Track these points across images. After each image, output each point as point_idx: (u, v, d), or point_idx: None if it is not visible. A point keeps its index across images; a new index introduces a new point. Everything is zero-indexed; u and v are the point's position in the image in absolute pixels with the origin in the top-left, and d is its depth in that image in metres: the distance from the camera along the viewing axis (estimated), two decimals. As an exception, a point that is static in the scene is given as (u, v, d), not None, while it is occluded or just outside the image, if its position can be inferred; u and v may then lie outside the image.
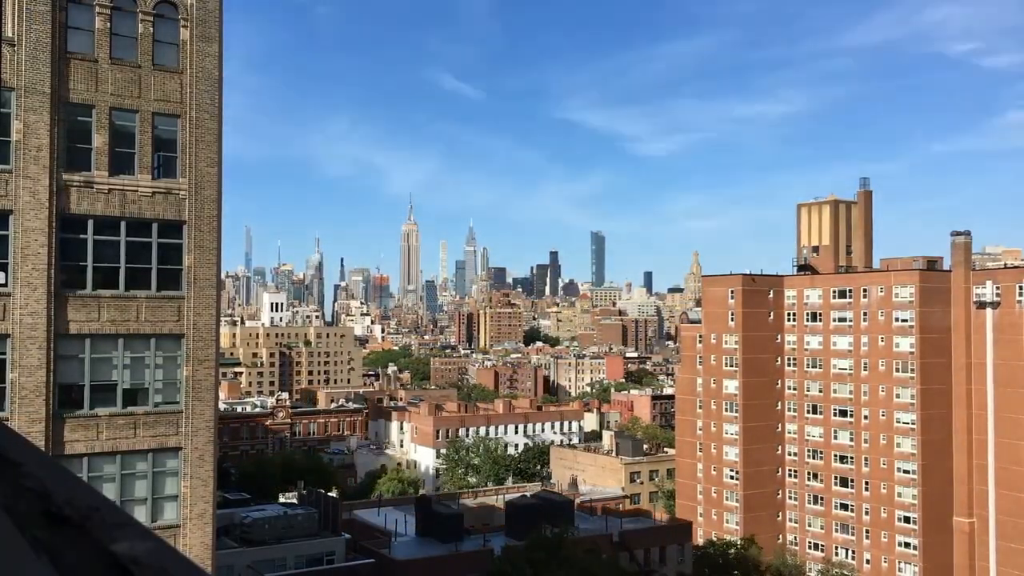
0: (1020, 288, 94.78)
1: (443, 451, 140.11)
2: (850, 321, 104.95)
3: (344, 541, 70.07)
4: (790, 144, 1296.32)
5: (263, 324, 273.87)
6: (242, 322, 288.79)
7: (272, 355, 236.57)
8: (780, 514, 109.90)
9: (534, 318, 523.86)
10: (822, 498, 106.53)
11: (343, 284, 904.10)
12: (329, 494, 76.80)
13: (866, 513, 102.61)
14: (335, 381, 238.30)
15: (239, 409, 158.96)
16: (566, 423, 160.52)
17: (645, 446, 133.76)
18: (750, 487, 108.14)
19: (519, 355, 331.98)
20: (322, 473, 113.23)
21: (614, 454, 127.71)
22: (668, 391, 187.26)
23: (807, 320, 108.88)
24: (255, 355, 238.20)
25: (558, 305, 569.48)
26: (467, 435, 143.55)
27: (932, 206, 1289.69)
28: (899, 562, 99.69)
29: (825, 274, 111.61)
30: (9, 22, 26.25)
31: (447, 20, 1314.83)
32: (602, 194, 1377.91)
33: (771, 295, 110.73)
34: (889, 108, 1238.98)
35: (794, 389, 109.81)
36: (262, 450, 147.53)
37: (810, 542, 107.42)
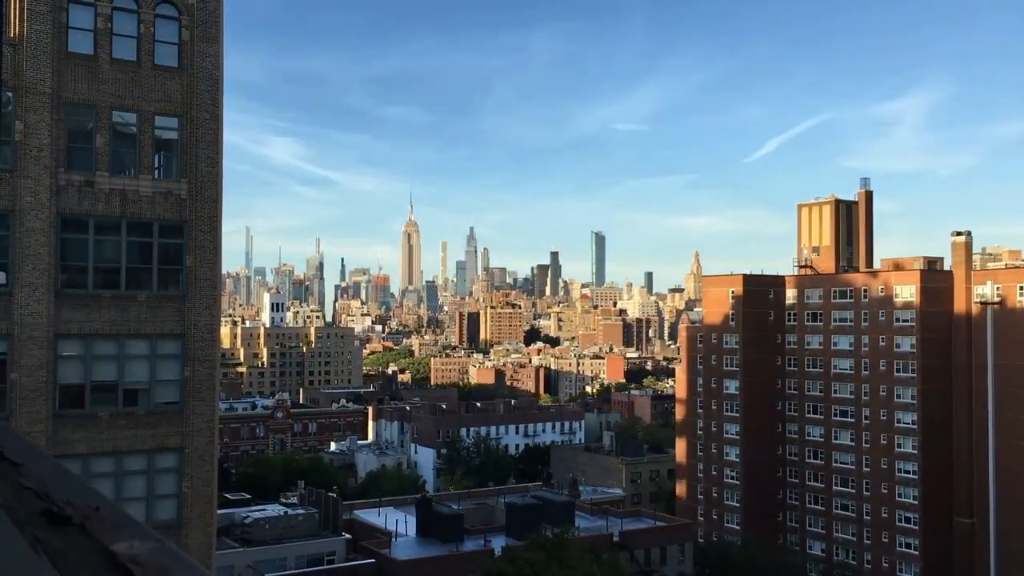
0: (1020, 288, 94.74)
1: (443, 451, 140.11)
2: (851, 321, 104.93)
3: (344, 541, 70.20)
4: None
5: (264, 324, 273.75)
6: (242, 322, 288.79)
7: (272, 355, 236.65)
8: (780, 514, 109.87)
9: (535, 318, 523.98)
10: (822, 498, 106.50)
11: (343, 284, 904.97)
12: (329, 494, 76.83)
13: (866, 513, 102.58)
14: (336, 381, 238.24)
15: (239, 409, 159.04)
16: (566, 423, 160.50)
17: (645, 446, 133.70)
18: (750, 487, 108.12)
19: (520, 355, 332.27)
20: (322, 473, 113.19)
21: (614, 454, 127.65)
22: (668, 391, 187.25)
23: (808, 320, 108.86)
24: (255, 355, 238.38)
25: (559, 305, 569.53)
26: (467, 435, 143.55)
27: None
28: (899, 562, 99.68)
29: (826, 274, 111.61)
30: (9, 22, 26.26)
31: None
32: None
33: (771, 295, 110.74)
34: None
35: (795, 389, 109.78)
36: (262, 450, 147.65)
37: (810, 542, 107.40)
